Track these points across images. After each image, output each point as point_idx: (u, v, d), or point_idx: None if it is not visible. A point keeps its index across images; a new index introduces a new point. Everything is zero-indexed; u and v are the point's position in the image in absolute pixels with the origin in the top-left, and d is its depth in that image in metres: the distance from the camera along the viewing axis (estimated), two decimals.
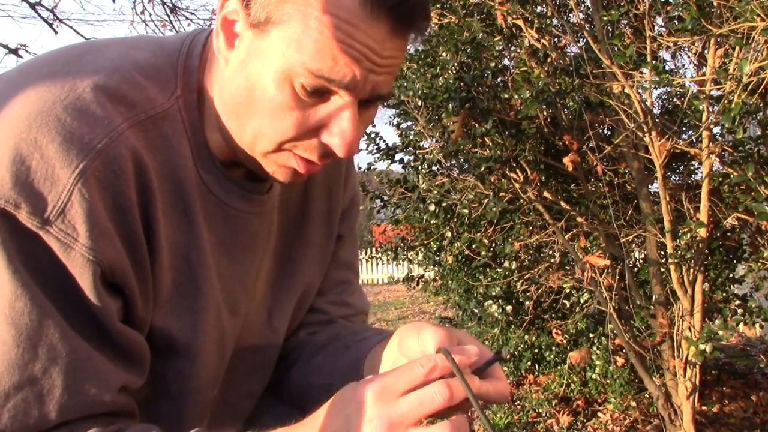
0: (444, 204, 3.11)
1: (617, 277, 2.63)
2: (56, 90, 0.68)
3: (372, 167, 3.64)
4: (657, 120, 2.43)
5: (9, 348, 0.63)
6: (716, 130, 2.48)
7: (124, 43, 0.79)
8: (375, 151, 3.40)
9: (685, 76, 2.96)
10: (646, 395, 3.25)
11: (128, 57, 0.75)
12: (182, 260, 0.76)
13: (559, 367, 3.60)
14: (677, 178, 3.17)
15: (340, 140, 0.70)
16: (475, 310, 3.56)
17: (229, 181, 0.80)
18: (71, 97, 0.67)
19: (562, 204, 2.92)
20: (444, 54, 2.88)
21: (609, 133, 3.02)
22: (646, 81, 2.37)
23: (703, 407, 3.17)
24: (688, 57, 2.79)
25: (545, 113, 2.97)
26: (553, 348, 3.58)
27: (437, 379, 0.62)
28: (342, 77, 0.67)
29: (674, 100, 3.17)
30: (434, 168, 3.16)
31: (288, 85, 0.68)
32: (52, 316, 0.65)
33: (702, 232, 2.40)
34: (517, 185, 2.82)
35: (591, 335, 3.24)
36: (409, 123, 3.56)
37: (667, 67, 2.76)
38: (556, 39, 2.81)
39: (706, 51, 2.43)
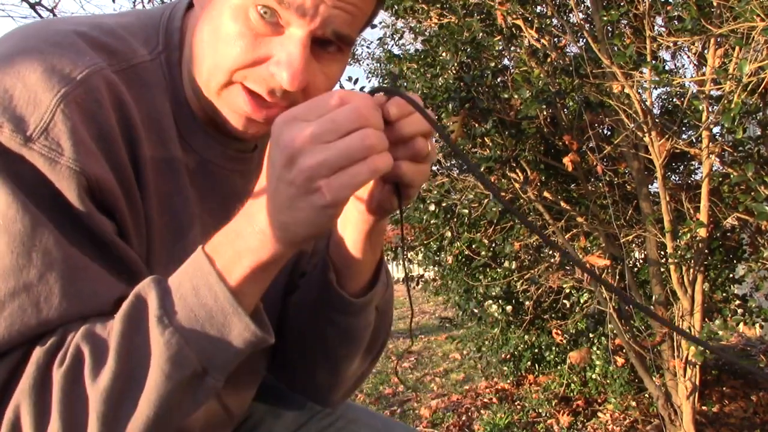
0: (444, 204, 3.11)
1: (617, 277, 2.63)
2: (40, 36, 0.70)
3: None
4: (657, 120, 2.43)
5: (2, 254, 0.63)
6: (716, 130, 2.48)
7: (107, 14, 0.83)
8: None
9: (685, 76, 2.96)
10: (646, 395, 3.25)
11: (111, 19, 0.78)
12: (166, 209, 0.76)
13: (559, 367, 3.60)
14: (677, 178, 3.17)
15: (287, 69, 0.69)
16: (475, 310, 3.56)
17: (209, 138, 0.80)
18: (53, 39, 0.69)
19: (562, 204, 2.92)
20: (444, 54, 2.88)
21: (609, 133, 3.02)
22: (646, 81, 2.37)
23: (703, 407, 3.17)
24: (688, 57, 2.79)
25: (545, 113, 2.97)
26: (553, 348, 3.57)
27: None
28: None
29: (674, 100, 3.17)
30: (434, 168, 3.16)
31: (243, 14, 0.69)
32: (44, 224, 0.64)
33: (702, 232, 2.40)
34: (517, 185, 2.82)
35: (591, 335, 3.24)
36: None
37: (667, 67, 2.77)
38: (556, 39, 2.81)
39: (706, 51, 2.43)
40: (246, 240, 0.64)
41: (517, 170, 2.89)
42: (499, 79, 2.97)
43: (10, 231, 0.62)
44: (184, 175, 0.77)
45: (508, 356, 3.75)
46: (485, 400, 3.73)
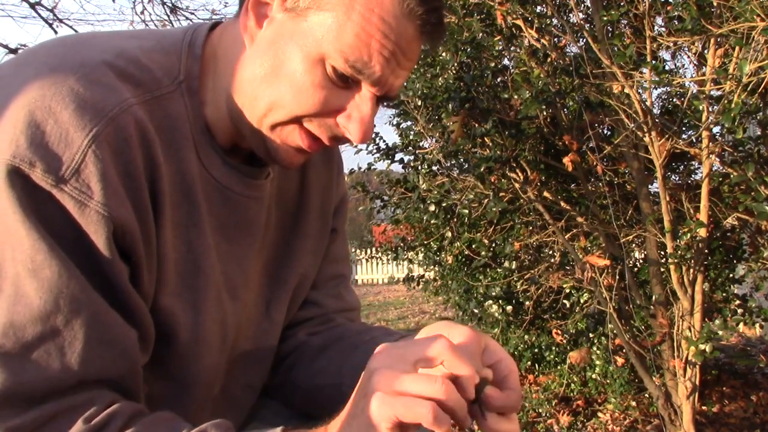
0: (444, 204, 3.11)
1: (617, 277, 2.63)
2: (67, 65, 0.70)
3: (372, 167, 3.64)
4: (657, 120, 2.43)
5: (31, 300, 0.64)
6: (716, 130, 2.48)
7: (128, 33, 0.83)
8: (375, 151, 3.40)
9: (685, 76, 2.96)
10: (646, 395, 3.25)
11: (133, 43, 0.78)
12: (181, 240, 0.78)
13: (559, 367, 3.60)
14: (677, 178, 3.17)
15: (359, 126, 0.76)
16: (475, 310, 3.56)
17: (228, 165, 0.82)
18: (82, 71, 0.70)
19: (562, 204, 2.92)
20: (444, 54, 2.88)
21: (609, 133, 3.02)
22: (646, 81, 2.37)
23: (703, 407, 3.17)
24: (688, 57, 2.79)
25: (545, 113, 2.97)
26: (553, 348, 3.57)
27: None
28: (372, 73, 0.73)
29: (674, 100, 3.17)
30: (434, 168, 3.16)
31: (320, 66, 0.74)
32: (72, 269, 0.65)
33: (702, 232, 2.40)
34: (517, 185, 2.82)
35: (591, 335, 3.24)
36: (409, 123, 3.55)
37: (667, 67, 2.76)
38: (556, 39, 2.81)
39: (706, 51, 2.43)
40: None
41: (517, 170, 2.89)
42: (499, 79, 2.97)
43: (39, 277, 0.64)
44: (201, 206, 0.79)
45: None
46: None
